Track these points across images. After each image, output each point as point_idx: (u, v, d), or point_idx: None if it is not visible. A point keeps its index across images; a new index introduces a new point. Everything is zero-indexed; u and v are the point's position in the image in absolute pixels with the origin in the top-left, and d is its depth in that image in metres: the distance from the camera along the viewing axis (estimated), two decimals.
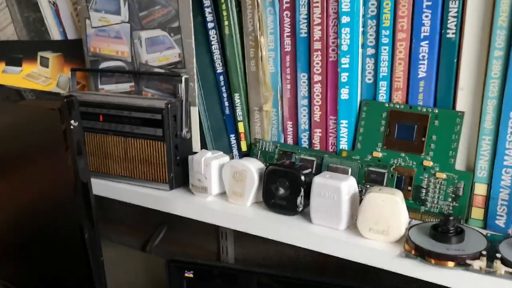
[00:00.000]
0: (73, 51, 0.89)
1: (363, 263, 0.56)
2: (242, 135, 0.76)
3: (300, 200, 0.61)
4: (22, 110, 0.63)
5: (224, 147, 0.77)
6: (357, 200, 0.59)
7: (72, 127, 0.57)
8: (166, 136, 0.70)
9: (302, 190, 0.61)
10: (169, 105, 0.70)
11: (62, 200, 0.63)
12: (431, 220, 0.60)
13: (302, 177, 0.61)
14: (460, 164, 0.59)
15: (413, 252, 0.52)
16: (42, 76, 0.92)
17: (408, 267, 0.52)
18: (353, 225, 0.59)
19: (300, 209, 0.62)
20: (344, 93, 0.65)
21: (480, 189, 0.58)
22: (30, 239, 0.70)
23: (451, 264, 0.50)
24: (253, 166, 0.66)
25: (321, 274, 0.96)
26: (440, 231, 0.53)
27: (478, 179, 0.58)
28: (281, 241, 0.61)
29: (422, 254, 0.51)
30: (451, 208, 0.59)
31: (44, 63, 0.91)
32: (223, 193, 0.70)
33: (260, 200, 0.67)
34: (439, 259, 0.50)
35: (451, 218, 0.52)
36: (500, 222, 0.56)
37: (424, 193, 0.60)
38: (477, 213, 0.58)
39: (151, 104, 0.71)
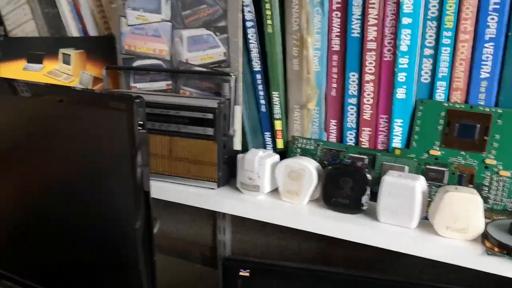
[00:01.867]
0: (95, 48, 0.78)
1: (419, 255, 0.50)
2: (279, 133, 0.69)
3: (365, 199, 0.55)
4: (84, 111, 0.53)
5: (258, 145, 0.70)
6: (426, 198, 0.54)
7: (141, 130, 0.48)
8: (217, 135, 0.62)
9: (368, 188, 0.55)
10: (221, 105, 0.62)
11: (121, 207, 0.54)
12: (494, 217, 0.55)
13: (369, 176, 0.54)
14: None
15: (496, 249, 0.47)
16: (64, 73, 0.81)
17: (494, 264, 0.47)
18: (421, 223, 0.53)
19: (365, 207, 0.55)
20: (400, 93, 0.59)
21: None
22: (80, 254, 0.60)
23: None
24: (311, 165, 0.59)
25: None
26: None
27: None
28: (348, 239, 0.55)
29: (508, 252, 0.46)
30: None
31: (66, 60, 0.80)
32: (273, 192, 0.63)
33: (315, 198, 0.60)
34: None
35: None
36: None
37: (486, 191, 0.56)
38: None
39: (201, 103, 0.63)
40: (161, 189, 0.66)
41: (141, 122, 0.47)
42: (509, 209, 0.54)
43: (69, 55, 0.80)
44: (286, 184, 0.60)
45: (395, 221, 0.53)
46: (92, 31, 0.79)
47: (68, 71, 0.80)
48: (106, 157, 0.52)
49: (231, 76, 0.64)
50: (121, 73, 0.75)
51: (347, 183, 0.56)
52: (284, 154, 0.69)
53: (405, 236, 0.51)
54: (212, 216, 1.01)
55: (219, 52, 0.66)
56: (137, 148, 0.49)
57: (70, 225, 0.62)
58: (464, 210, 0.49)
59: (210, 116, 0.62)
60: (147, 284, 0.58)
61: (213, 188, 0.65)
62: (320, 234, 0.52)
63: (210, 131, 0.62)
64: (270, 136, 0.70)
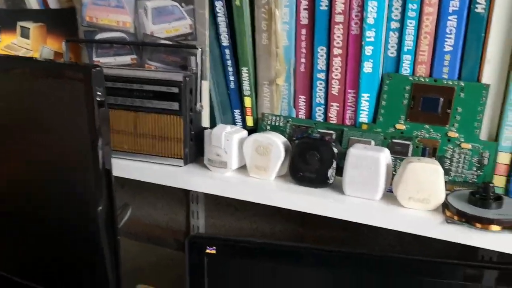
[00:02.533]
0: (56, 21, 0.79)
1: (391, 229, 0.54)
2: (248, 110, 0.71)
3: (331, 172, 0.58)
4: (38, 83, 0.54)
5: (228, 122, 0.72)
6: (391, 171, 0.57)
7: (100, 101, 0.50)
8: (183, 110, 0.64)
9: (334, 162, 0.58)
10: (187, 78, 0.63)
11: (80, 184, 0.55)
12: (455, 189, 0.59)
13: (335, 149, 0.57)
14: (484, 134, 0.59)
15: (455, 217, 0.51)
16: (22, 47, 0.81)
17: (453, 233, 0.51)
18: (386, 195, 0.57)
19: (331, 181, 0.59)
20: (367, 67, 0.62)
21: (504, 158, 0.57)
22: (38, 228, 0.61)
23: (496, 228, 0.49)
24: (278, 140, 0.61)
25: None
26: (479, 198, 0.51)
27: (502, 148, 0.57)
28: (314, 213, 0.58)
29: (467, 220, 0.50)
30: (475, 177, 0.58)
31: (25, 34, 0.80)
32: (241, 168, 0.65)
33: (283, 174, 0.63)
34: (485, 223, 0.49)
35: (491, 184, 0.51)
36: None
37: (448, 163, 0.59)
38: (499, 180, 0.58)
39: (166, 77, 0.64)
40: (126, 168, 0.68)
41: (100, 94, 0.48)
42: (470, 181, 0.58)
43: (28, 28, 0.80)
44: (253, 159, 0.63)
45: (361, 194, 0.57)
46: (53, 3, 0.79)
47: (27, 46, 0.81)
48: (63, 133, 0.53)
49: (197, 49, 0.66)
50: (83, 47, 0.75)
51: (314, 157, 0.59)
52: (254, 132, 0.71)
53: (370, 208, 0.55)
54: (186, 201, 1.04)
55: (185, 24, 0.68)
56: (97, 122, 0.50)
57: (30, 205, 0.63)
58: (426, 180, 0.52)
59: (175, 90, 0.64)
60: (111, 265, 0.60)
61: (179, 166, 0.67)
62: (293, 216, 0.55)
63: (175, 105, 0.64)
64: (240, 113, 0.72)
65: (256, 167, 0.63)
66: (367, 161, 0.55)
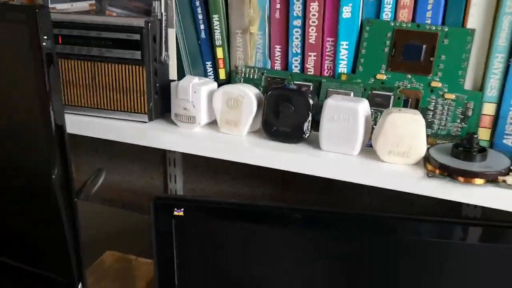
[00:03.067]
0: None
1: (375, 186, 0.53)
2: (221, 62, 0.69)
3: (307, 125, 0.56)
4: None
5: (199, 75, 0.69)
6: (370, 124, 0.55)
7: (44, 43, 0.46)
8: (145, 59, 0.61)
9: (310, 114, 0.56)
10: (149, 24, 0.60)
11: (31, 142, 0.52)
12: (438, 142, 0.57)
13: (311, 101, 0.55)
14: (468, 84, 0.57)
15: (437, 171, 0.50)
16: None
17: (435, 187, 0.50)
18: (365, 150, 0.55)
19: (307, 135, 0.57)
20: (346, 11, 0.60)
21: (489, 109, 0.56)
22: None
23: (480, 181, 0.48)
24: (250, 91, 0.59)
25: None
26: (463, 150, 0.50)
27: (487, 99, 0.56)
28: (289, 170, 0.56)
29: (449, 173, 0.49)
30: (459, 129, 0.57)
31: None
32: (211, 123, 0.63)
33: (256, 129, 0.61)
34: (468, 176, 0.48)
35: (475, 135, 0.50)
36: (508, 141, 0.55)
37: (431, 115, 0.58)
38: (483, 133, 0.57)
39: (126, 22, 0.61)
40: (84, 125, 0.65)
41: (47, 39, 0.45)
42: (453, 134, 0.57)
43: None
44: (224, 113, 0.60)
45: (338, 149, 0.55)
46: None
47: None
48: (7, 87, 0.50)
49: None
50: None
51: (288, 109, 0.56)
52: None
53: (347, 163, 0.53)
54: (163, 165, 1.01)
55: None
56: (46, 74, 0.47)
57: None
58: (407, 132, 0.51)
59: (136, 37, 0.60)
60: (70, 233, 0.58)
61: (144, 121, 0.64)
62: (273, 179, 0.53)
63: (137, 54, 0.61)
64: (211, 65, 0.69)
65: (226, 122, 0.60)
66: (344, 113, 0.53)
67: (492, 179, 0.48)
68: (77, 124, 0.65)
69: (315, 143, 0.56)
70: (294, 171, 0.56)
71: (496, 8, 0.54)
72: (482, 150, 0.50)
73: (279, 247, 0.57)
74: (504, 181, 0.47)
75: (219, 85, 0.69)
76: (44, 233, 0.62)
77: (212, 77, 0.70)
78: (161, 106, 0.65)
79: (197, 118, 0.61)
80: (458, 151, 0.50)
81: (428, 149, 0.53)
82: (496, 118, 0.56)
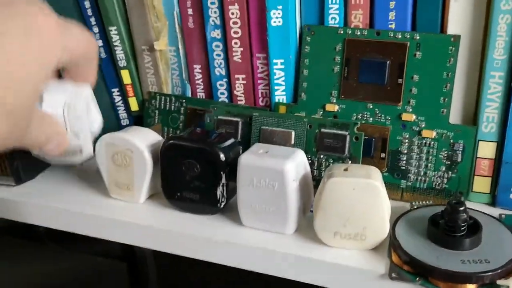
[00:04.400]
0: None
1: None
2: (130, 88, 0.53)
3: (221, 190, 0.40)
4: None
5: (106, 106, 0.54)
6: (310, 184, 0.39)
7: None
8: None
9: (224, 175, 0.39)
10: None
11: None
12: (418, 200, 0.41)
13: (222, 156, 0.39)
14: (455, 115, 0.40)
15: (406, 268, 0.33)
16: None
17: None
18: (308, 222, 0.39)
19: (223, 204, 0.40)
20: (275, 17, 0.43)
21: (487, 149, 0.39)
22: None
23: (471, 287, 0.31)
24: (142, 141, 0.43)
25: None
26: (444, 228, 0.33)
27: (483, 136, 0.39)
28: (197, 259, 0.40)
29: (423, 273, 0.32)
30: (445, 180, 0.40)
31: None
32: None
33: (160, 191, 0.44)
34: (452, 280, 0.31)
35: (461, 207, 0.33)
36: None
37: (405, 161, 0.41)
38: (481, 184, 0.40)
39: None
40: None
41: None
42: (437, 187, 0.40)
43: None
44: (111, 173, 0.44)
45: (264, 225, 0.39)
46: None
47: None
48: None
49: None
50: None
51: (193, 168, 0.40)
52: (140, 120, 0.53)
53: (273, 252, 0.37)
54: None
55: None
56: None
57: None
58: (358, 204, 0.34)
59: None
60: None
61: (12, 185, 0.48)
62: None
63: None
64: (119, 93, 0.54)
65: (116, 184, 0.44)
66: (266, 175, 0.37)
67: (488, 283, 0.31)
68: None
69: (236, 213, 0.40)
70: (202, 259, 0.40)
71: (488, 4, 0.36)
72: (474, 228, 0.34)
73: None
74: (508, 286, 0.31)
75: (133, 119, 0.54)
76: None
77: (122, 108, 0.54)
78: (37, 161, 0.49)
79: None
80: (437, 231, 0.34)
81: (396, 221, 0.36)
82: (498, 162, 0.39)
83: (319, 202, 0.36)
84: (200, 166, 0.40)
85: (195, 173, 0.40)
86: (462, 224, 0.33)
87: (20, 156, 0.47)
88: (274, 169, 0.36)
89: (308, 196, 0.39)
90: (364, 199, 0.34)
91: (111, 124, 0.55)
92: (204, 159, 0.39)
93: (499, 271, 0.31)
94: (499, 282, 0.31)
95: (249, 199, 0.38)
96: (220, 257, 0.39)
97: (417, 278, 0.33)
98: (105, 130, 0.53)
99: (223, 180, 0.40)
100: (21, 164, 0.47)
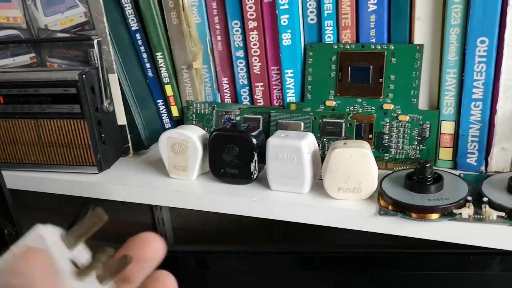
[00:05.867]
0: None
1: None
2: (172, 99, 0.65)
3: (254, 166, 0.52)
4: None
5: (152, 115, 0.66)
6: (319, 157, 0.51)
7: None
8: (85, 112, 0.58)
9: (255, 154, 0.51)
10: (83, 76, 0.56)
11: None
12: (398, 168, 0.53)
13: (254, 140, 0.51)
14: (423, 103, 0.53)
15: (390, 207, 0.45)
16: None
17: (388, 225, 0.45)
18: (317, 185, 0.51)
19: (255, 175, 0.52)
20: (286, 38, 0.55)
21: (447, 127, 0.51)
22: None
23: (435, 216, 0.43)
24: (194, 134, 0.55)
25: (269, 236, 0.89)
26: (416, 180, 0.45)
27: (444, 117, 0.51)
28: (239, 214, 0.52)
29: (401, 209, 0.44)
30: (418, 152, 0.52)
31: None
32: (164, 169, 0.59)
33: (206, 171, 0.57)
34: (422, 212, 0.43)
35: (427, 164, 0.45)
36: (472, 160, 0.50)
37: (387, 140, 0.53)
38: (445, 153, 0.52)
39: (60, 77, 0.57)
40: (37, 181, 0.62)
41: None
42: (412, 157, 0.52)
43: None
44: (171, 159, 0.56)
45: (287, 188, 0.51)
46: None
47: None
48: None
49: (93, 39, 0.58)
50: None
51: (233, 150, 0.52)
52: (181, 123, 0.65)
53: (296, 204, 0.49)
54: None
55: (79, 13, 0.60)
56: None
57: None
58: (354, 167, 0.46)
59: (72, 90, 0.57)
60: None
61: (94, 173, 0.60)
62: None
63: (76, 108, 0.58)
64: (163, 103, 0.66)
65: (175, 167, 0.56)
66: (288, 151, 0.49)
67: (447, 213, 0.43)
68: (26, 181, 0.62)
69: (266, 181, 0.52)
70: (248, 215, 0.52)
71: (442, 20, 0.49)
72: (438, 179, 0.45)
73: None
74: (460, 214, 0.43)
75: (174, 123, 0.66)
76: None
77: (166, 115, 0.66)
78: (112, 154, 0.62)
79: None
80: (412, 182, 0.46)
81: (382, 180, 0.48)
82: (457, 136, 0.51)
83: (327, 167, 0.48)
84: (238, 149, 0.52)
85: (235, 154, 0.52)
86: (429, 176, 0.45)
87: (101, 150, 0.59)
88: (293, 146, 0.49)
89: (317, 166, 0.51)
90: (359, 163, 0.46)
91: (157, 127, 0.67)
92: (241, 143, 0.52)
93: (454, 204, 0.43)
94: (455, 211, 0.43)
95: (275, 170, 0.50)
96: (257, 211, 0.50)
97: (398, 213, 0.44)
98: (153, 132, 0.66)
99: (255, 158, 0.52)
100: (102, 156, 0.59)
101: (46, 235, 0.23)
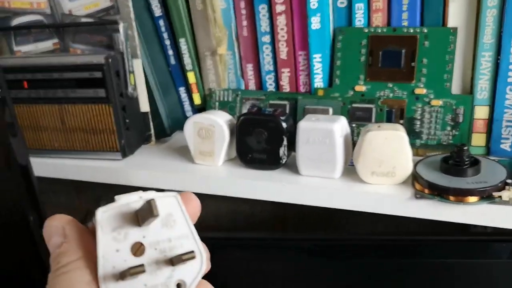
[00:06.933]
0: None
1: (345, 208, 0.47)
2: (194, 87, 0.63)
3: (283, 151, 0.50)
4: None
5: (174, 102, 0.65)
6: (350, 142, 0.49)
7: None
8: (111, 96, 0.56)
9: (285, 139, 0.50)
10: (109, 59, 0.55)
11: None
12: (429, 154, 0.51)
13: (284, 124, 0.50)
14: (456, 87, 0.51)
15: (427, 191, 0.44)
16: None
17: (424, 209, 0.44)
18: (348, 171, 0.49)
19: (284, 161, 0.51)
20: (315, 22, 0.54)
21: (481, 112, 0.50)
22: None
23: (473, 199, 0.42)
24: (221, 119, 0.53)
25: (282, 228, 0.88)
26: (453, 164, 0.44)
27: (478, 102, 0.50)
28: (270, 200, 0.50)
29: (439, 192, 0.43)
30: (450, 137, 0.51)
31: None
32: (188, 155, 0.58)
33: (233, 157, 0.55)
34: (460, 195, 0.42)
35: (465, 147, 0.43)
36: (506, 145, 0.49)
37: (418, 125, 0.52)
38: (478, 139, 0.50)
39: (86, 60, 0.56)
40: (60, 167, 0.61)
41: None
42: (444, 143, 0.51)
43: None
44: (197, 144, 0.55)
45: (318, 172, 0.49)
46: None
47: None
48: None
49: (118, 24, 0.57)
50: (0, 37, 0.67)
51: (261, 135, 0.51)
52: (203, 111, 0.64)
53: (327, 188, 0.47)
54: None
55: None
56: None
57: None
58: (388, 150, 0.45)
59: (98, 74, 0.56)
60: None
61: (118, 159, 0.59)
62: None
63: (101, 92, 0.56)
64: (185, 91, 0.65)
65: (200, 153, 0.55)
66: (319, 135, 0.47)
67: (486, 196, 0.41)
68: (49, 167, 0.61)
69: (294, 167, 0.51)
70: (273, 200, 0.50)
71: (478, 2, 0.47)
72: (475, 163, 0.44)
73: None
74: (500, 196, 0.41)
75: (196, 111, 0.65)
76: (26, 276, 0.59)
77: (188, 103, 0.65)
78: (135, 141, 0.61)
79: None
80: (448, 165, 0.44)
81: (416, 164, 0.46)
82: (490, 121, 0.49)
83: (360, 151, 0.46)
84: (267, 133, 0.51)
85: (263, 139, 0.51)
86: (466, 159, 0.44)
87: (125, 136, 0.58)
88: (325, 129, 0.47)
89: (348, 151, 0.49)
90: (393, 145, 0.45)
91: (178, 115, 0.66)
92: (270, 127, 0.50)
93: (493, 187, 0.42)
94: (494, 194, 0.41)
95: (306, 154, 0.49)
96: (287, 197, 0.49)
97: (435, 197, 0.43)
98: (175, 120, 0.64)
99: (285, 142, 0.50)
100: (126, 142, 0.58)
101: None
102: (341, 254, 0.57)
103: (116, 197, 0.24)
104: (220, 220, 0.93)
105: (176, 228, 0.24)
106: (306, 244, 0.58)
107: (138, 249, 0.23)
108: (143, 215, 0.23)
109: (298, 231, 0.80)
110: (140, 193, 0.24)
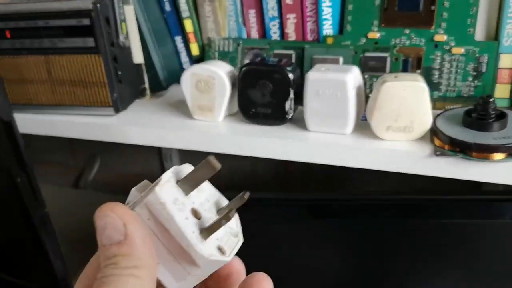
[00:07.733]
0: None
1: (368, 168, 0.43)
2: (191, 36, 0.58)
3: (289, 104, 0.46)
4: None
5: (169, 53, 0.60)
6: (363, 94, 0.45)
7: None
8: (100, 46, 0.51)
9: (291, 91, 0.46)
10: (98, 5, 0.50)
11: None
12: (448, 107, 0.47)
13: (290, 75, 0.45)
14: (480, 33, 0.46)
15: (447, 147, 0.40)
16: None
17: (445, 167, 0.40)
18: (360, 126, 0.45)
19: (290, 115, 0.47)
20: None
21: (507, 61, 0.45)
22: None
23: (500, 156, 0.38)
24: (221, 70, 0.49)
25: (284, 187, 0.85)
26: (476, 117, 0.40)
27: (504, 49, 0.45)
28: (275, 158, 0.47)
29: (461, 149, 0.39)
30: (472, 89, 0.46)
31: None
32: (186, 110, 0.53)
33: (235, 112, 0.51)
34: (485, 151, 0.38)
35: (491, 99, 0.39)
36: None
37: (437, 76, 0.47)
38: (502, 90, 0.46)
39: (73, 6, 0.51)
40: (48, 124, 0.56)
41: None
42: (465, 95, 0.47)
43: None
44: (195, 98, 0.51)
45: (327, 128, 0.45)
46: None
47: None
48: None
49: None
50: None
51: (266, 87, 0.46)
52: (202, 61, 0.59)
53: (338, 145, 0.43)
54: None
55: None
56: None
57: None
58: (406, 102, 0.41)
59: (86, 22, 0.50)
60: (46, 236, 0.52)
61: (111, 115, 0.55)
62: None
63: (90, 42, 0.51)
64: (182, 41, 0.60)
65: (199, 107, 0.51)
66: (330, 86, 0.43)
67: None
68: (37, 124, 0.57)
69: (301, 122, 0.47)
70: (279, 158, 0.47)
71: None
72: (501, 116, 0.40)
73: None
74: None
75: (193, 62, 0.60)
76: (18, 242, 0.56)
77: (184, 53, 0.60)
78: (128, 95, 0.56)
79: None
80: (471, 119, 0.40)
81: (435, 118, 0.42)
82: None
83: (375, 104, 0.42)
84: (272, 86, 0.46)
85: (268, 91, 0.47)
86: (492, 112, 0.40)
87: (118, 89, 0.54)
88: (337, 80, 0.43)
89: (361, 104, 0.45)
90: (412, 97, 0.41)
91: (174, 67, 0.61)
92: (276, 79, 0.46)
93: None
94: None
95: (315, 108, 0.45)
96: (293, 154, 0.45)
97: (457, 154, 0.39)
98: (171, 72, 0.60)
99: (291, 95, 0.46)
100: (118, 96, 0.54)
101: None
102: (347, 213, 0.54)
103: (134, 188, 0.25)
104: (218, 178, 0.90)
105: (205, 190, 0.25)
106: (312, 204, 0.55)
107: (196, 213, 0.23)
108: (198, 177, 0.23)
109: (303, 191, 0.77)
110: (171, 169, 0.24)
